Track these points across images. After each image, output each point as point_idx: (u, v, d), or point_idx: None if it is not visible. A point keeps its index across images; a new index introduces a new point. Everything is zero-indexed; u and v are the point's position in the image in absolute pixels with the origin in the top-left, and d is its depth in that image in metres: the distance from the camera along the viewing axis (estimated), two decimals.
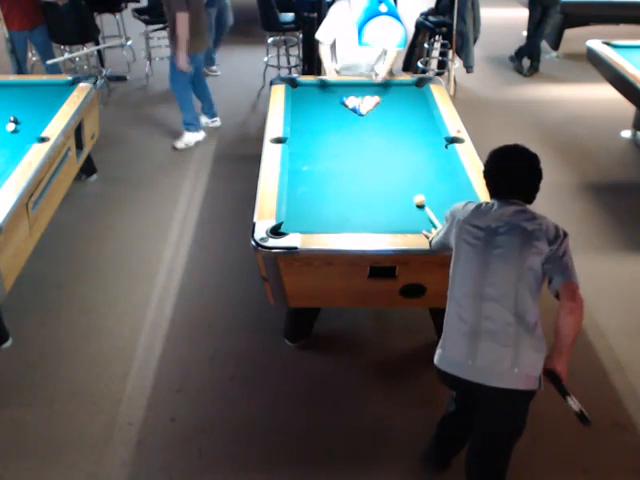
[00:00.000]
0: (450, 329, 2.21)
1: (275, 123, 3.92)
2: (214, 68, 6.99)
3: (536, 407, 3.01)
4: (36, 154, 3.57)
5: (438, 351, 2.25)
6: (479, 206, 2.28)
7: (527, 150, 2.23)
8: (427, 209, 3.02)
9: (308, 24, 5.83)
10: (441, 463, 2.72)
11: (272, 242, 2.73)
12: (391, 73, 4.58)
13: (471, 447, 2.39)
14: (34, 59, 6.78)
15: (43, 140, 3.72)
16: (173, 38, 5.00)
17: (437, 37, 6.44)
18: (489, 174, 2.28)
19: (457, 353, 2.16)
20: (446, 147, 3.67)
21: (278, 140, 3.68)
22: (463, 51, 6.22)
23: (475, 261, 2.17)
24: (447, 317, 2.24)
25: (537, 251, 2.13)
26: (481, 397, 2.20)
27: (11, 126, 3.91)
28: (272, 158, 3.48)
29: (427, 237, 2.71)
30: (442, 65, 6.69)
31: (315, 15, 5.80)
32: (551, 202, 4.58)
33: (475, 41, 6.23)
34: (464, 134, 3.76)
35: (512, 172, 2.22)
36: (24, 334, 3.39)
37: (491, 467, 2.32)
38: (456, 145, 3.64)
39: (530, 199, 2.25)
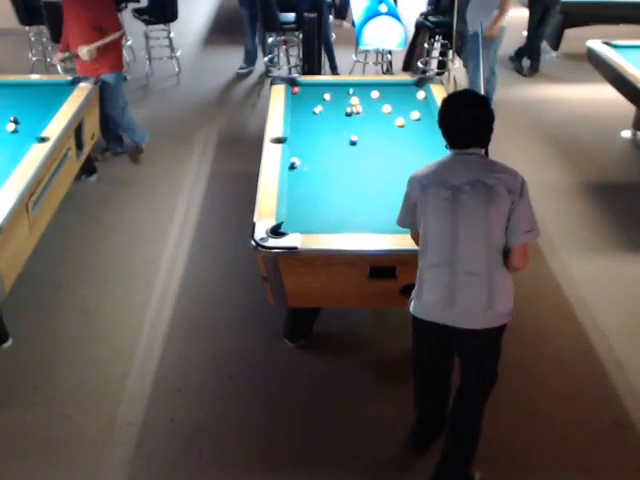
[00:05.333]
0: (426, 281, 2.31)
1: (275, 123, 3.92)
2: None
3: (536, 407, 3.03)
4: (36, 154, 3.57)
5: (413, 302, 2.38)
6: (437, 164, 2.32)
7: (477, 95, 2.29)
8: None
9: (308, 24, 5.83)
10: (419, 448, 2.76)
11: (272, 242, 2.73)
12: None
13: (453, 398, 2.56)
14: (34, 59, 6.79)
15: (43, 140, 3.72)
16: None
17: (437, 37, 6.44)
18: (443, 124, 2.29)
19: (435, 301, 2.29)
20: (446, 147, 3.65)
21: (278, 140, 3.68)
22: (463, 51, 6.22)
23: (445, 220, 2.22)
24: (421, 271, 2.34)
25: (500, 203, 2.18)
26: (456, 340, 2.39)
27: (11, 126, 3.91)
28: (272, 158, 3.48)
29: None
30: (442, 65, 6.69)
31: (315, 15, 5.80)
32: (551, 202, 4.59)
33: None
34: None
35: (467, 122, 2.22)
36: (24, 334, 3.39)
37: (469, 411, 2.50)
38: None
39: (486, 144, 2.29)
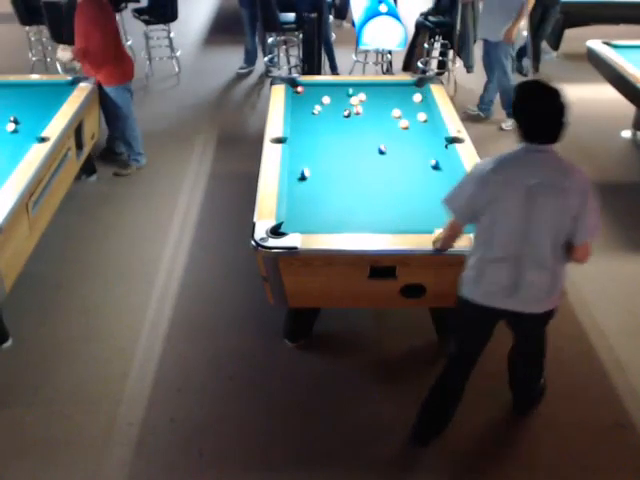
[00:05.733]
0: (487, 271, 2.39)
1: (275, 123, 3.91)
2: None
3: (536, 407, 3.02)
4: (36, 154, 3.57)
5: (469, 286, 2.46)
6: (510, 159, 2.32)
7: (556, 91, 2.24)
8: None
9: (308, 24, 5.83)
10: (422, 440, 2.81)
11: (272, 242, 2.73)
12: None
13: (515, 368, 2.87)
14: (34, 59, 6.79)
15: (43, 140, 3.72)
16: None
17: (437, 37, 6.43)
18: (523, 116, 2.29)
19: (497, 290, 2.40)
20: (446, 147, 3.67)
21: (278, 140, 3.68)
22: (463, 51, 6.22)
23: (516, 217, 2.29)
24: (481, 262, 2.40)
25: (571, 204, 2.27)
26: (513, 320, 2.56)
27: (11, 126, 3.91)
28: (272, 158, 3.48)
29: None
30: (442, 65, 6.69)
31: (315, 15, 5.80)
32: None
33: (475, 41, 6.23)
34: (464, 134, 3.76)
35: (549, 114, 2.23)
36: (24, 334, 3.39)
37: (533, 370, 2.87)
38: (456, 145, 3.64)
39: (558, 140, 2.28)
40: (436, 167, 3.46)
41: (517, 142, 2.34)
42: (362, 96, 4.29)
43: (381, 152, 3.61)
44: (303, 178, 3.32)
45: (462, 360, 2.70)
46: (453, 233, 2.53)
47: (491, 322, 2.58)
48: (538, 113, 2.24)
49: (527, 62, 7.06)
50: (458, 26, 6.00)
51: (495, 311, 2.45)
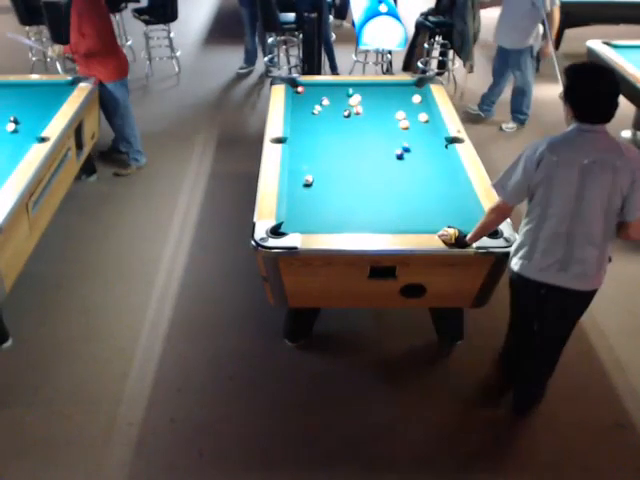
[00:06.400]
0: (541, 246, 2.50)
1: (275, 123, 3.91)
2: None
3: (537, 407, 3.02)
4: (36, 154, 3.57)
5: (521, 261, 2.57)
6: (564, 139, 2.39)
7: (609, 71, 2.38)
8: None
9: (308, 24, 5.83)
10: (523, 410, 2.98)
11: (272, 242, 2.73)
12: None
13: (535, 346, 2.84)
14: (34, 59, 6.79)
15: (43, 140, 3.72)
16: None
17: (437, 37, 6.44)
18: (575, 98, 2.37)
19: (549, 264, 2.49)
20: (446, 147, 3.67)
21: (278, 140, 3.68)
22: (463, 51, 6.22)
23: (571, 194, 2.38)
24: (534, 236, 2.51)
25: (623, 182, 2.33)
26: (559, 298, 2.58)
27: (11, 126, 3.91)
28: (272, 158, 3.48)
29: (446, 234, 2.76)
30: (442, 65, 6.69)
31: (315, 15, 5.79)
32: None
33: (475, 41, 6.23)
34: (464, 134, 3.76)
35: (604, 97, 2.33)
36: (24, 334, 3.39)
37: (547, 358, 2.87)
38: (456, 145, 3.64)
39: (610, 120, 2.38)
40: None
41: (568, 123, 2.43)
42: (357, 97, 4.27)
43: (399, 157, 3.54)
44: (308, 185, 3.27)
45: (523, 329, 2.87)
46: (498, 217, 2.62)
47: (540, 300, 2.64)
48: (592, 94, 2.32)
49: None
50: (456, 25, 6.00)
51: (546, 286, 2.55)
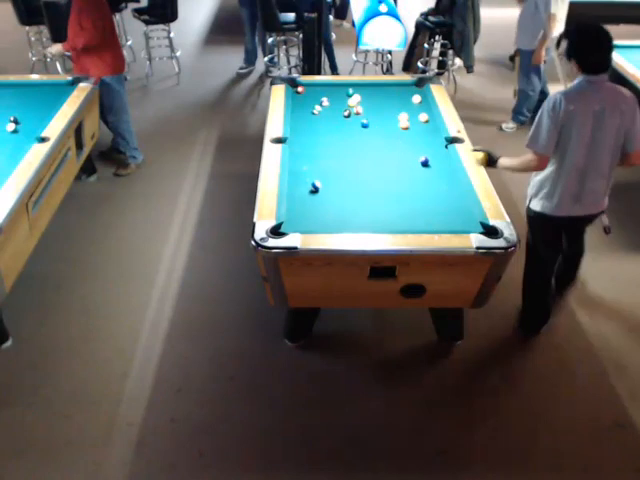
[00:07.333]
0: (560, 183, 2.94)
1: (275, 123, 3.91)
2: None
3: (536, 407, 3.03)
4: (36, 154, 3.57)
5: (542, 202, 3.03)
6: (577, 90, 2.83)
7: (604, 29, 2.78)
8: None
9: (308, 24, 5.83)
10: (532, 329, 3.41)
11: (272, 242, 2.73)
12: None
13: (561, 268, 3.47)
14: (34, 59, 6.79)
15: (43, 140, 3.72)
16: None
17: (437, 37, 6.44)
18: (584, 50, 2.81)
19: (567, 199, 2.96)
20: (446, 147, 3.67)
21: (278, 140, 3.68)
22: (463, 51, 6.22)
23: (586, 137, 2.82)
24: (555, 177, 2.95)
25: (627, 121, 2.86)
26: (577, 224, 3.21)
27: (11, 126, 3.91)
28: (272, 158, 3.48)
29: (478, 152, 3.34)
30: (442, 65, 6.69)
31: (315, 15, 5.79)
32: None
33: (475, 41, 6.23)
34: (464, 134, 3.76)
35: (604, 51, 2.80)
36: (24, 334, 3.39)
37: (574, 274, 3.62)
38: (456, 145, 3.64)
39: (608, 69, 2.85)
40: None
41: (574, 78, 2.88)
42: (357, 97, 4.27)
43: (424, 164, 3.47)
44: (315, 190, 3.20)
45: (546, 265, 3.28)
46: (538, 167, 2.95)
47: (560, 231, 3.19)
48: (595, 48, 2.79)
49: None
50: (455, 26, 6.00)
51: (563, 219, 3.05)
